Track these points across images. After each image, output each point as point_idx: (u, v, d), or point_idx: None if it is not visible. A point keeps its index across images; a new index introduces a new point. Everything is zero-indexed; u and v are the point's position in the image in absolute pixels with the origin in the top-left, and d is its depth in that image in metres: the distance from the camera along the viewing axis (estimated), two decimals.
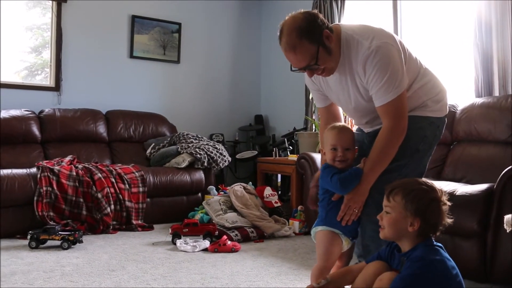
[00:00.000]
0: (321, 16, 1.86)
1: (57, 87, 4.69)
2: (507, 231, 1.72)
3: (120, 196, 3.79)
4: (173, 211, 4.13)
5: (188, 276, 2.52)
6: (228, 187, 3.99)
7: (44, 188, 3.50)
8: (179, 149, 4.45)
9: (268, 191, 4.00)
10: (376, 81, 1.81)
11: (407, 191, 1.55)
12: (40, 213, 3.43)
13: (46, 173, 3.57)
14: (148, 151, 4.65)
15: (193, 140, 4.65)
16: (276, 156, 4.61)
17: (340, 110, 2.22)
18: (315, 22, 1.82)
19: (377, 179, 1.87)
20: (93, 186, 3.70)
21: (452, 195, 2.41)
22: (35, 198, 3.47)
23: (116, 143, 4.71)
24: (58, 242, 3.10)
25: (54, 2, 4.66)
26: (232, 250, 3.07)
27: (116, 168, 3.97)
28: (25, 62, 4.79)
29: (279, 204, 3.97)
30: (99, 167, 3.90)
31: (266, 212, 3.76)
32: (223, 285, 2.37)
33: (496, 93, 3.28)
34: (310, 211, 3.57)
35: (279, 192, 4.77)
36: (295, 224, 3.73)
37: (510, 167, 2.33)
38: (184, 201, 4.23)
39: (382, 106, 1.84)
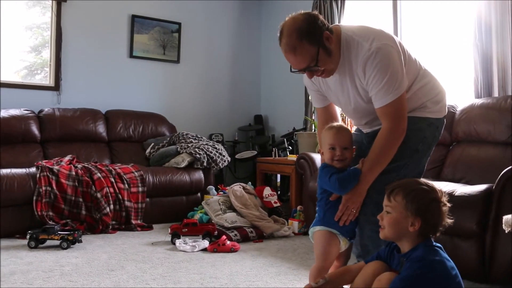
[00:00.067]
0: (321, 17, 1.86)
1: (56, 87, 4.69)
2: (506, 232, 1.72)
3: (120, 196, 3.79)
4: (172, 211, 4.13)
5: (187, 276, 2.53)
6: (228, 187, 3.99)
7: (44, 188, 3.50)
8: (178, 149, 4.45)
9: (267, 191, 4.00)
10: (376, 82, 1.80)
11: (408, 191, 1.56)
12: (39, 213, 3.43)
13: (45, 173, 3.57)
14: (148, 151, 4.65)
15: (192, 140, 4.65)
16: (275, 156, 4.61)
17: (338, 110, 2.22)
18: (316, 24, 1.81)
19: (375, 179, 1.87)
20: (93, 186, 3.70)
21: (451, 196, 2.41)
22: (34, 198, 3.47)
23: (115, 143, 4.71)
24: (57, 242, 3.10)
25: (54, 1, 4.66)
26: (231, 250, 3.07)
27: (116, 168, 3.97)
28: (24, 61, 4.79)
29: (278, 204, 3.97)
30: (99, 166, 3.90)
31: (265, 212, 3.76)
32: (222, 285, 2.37)
33: (496, 94, 3.28)
34: (309, 211, 3.57)
35: (279, 192, 4.77)
36: (294, 224, 3.73)
37: (509, 168, 2.33)
38: (183, 201, 4.23)
39: (382, 108, 1.84)
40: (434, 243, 1.56)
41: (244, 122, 5.75)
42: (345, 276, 1.74)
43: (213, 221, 3.58)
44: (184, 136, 4.69)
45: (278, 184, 4.94)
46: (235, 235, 3.38)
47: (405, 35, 4.20)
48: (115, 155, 4.60)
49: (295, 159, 3.85)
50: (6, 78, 4.45)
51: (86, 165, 3.88)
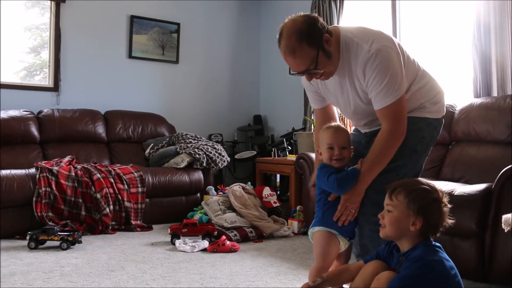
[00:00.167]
0: (321, 19, 1.85)
1: (55, 88, 4.69)
2: (505, 231, 1.72)
3: (119, 196, 3.79)
4: (172, 211, 4.13)
5: (187, 276, 2.53)
6: (227, 187, 3.99)
7: (43, 189, 3.50)
8: (178, 149, 4.45)
9: (267, 191, 4.00)
10: (375, 84, 1.80)
11: (410, 190, 1.56)
12: (39, 214, 3.43)
13: (45, 174, 3.57)
14: (147, 151, 4.66)
15: (192, 140, 4.65)
16: (275, 156, 4.62)
17: (336, 111, 2.22)
18: (316, 26, 1.80)
19: (374, 179, 1.87)
20: (92, 187, 3.70)
21: (450, 195, 2.40)
22: (34, 199, 3.47)
23: (115, 144, 4.71)
24: (57, 243, 3.10)
25: (52, 2, 4.66)
26: (231, 250, 3.07)
27: (115, 168, 3.97)
28: (23, 62, 4.79)
29: (278, 204, 3.97)
30: (98, 167, 3.90)
31: (265, 212, 3.76)
32: (222, 285, 2.38)
33: (495, 93, 3.29)
34: (309, 211, 3.57)
35: (278, 192, 4.77)
36: (294, 224, 3.73)
37: (508, 167, 2.34)
38: (183, 201, 4.23)
39: (382, 109, 1.84)
40: (433, 243, 1.57)
41: (243, 122, 5.75)
42: (343, 275, 1.74)
43: (212, 221, 3.59)
44: (184, 137, 4.69)
45: (278, 184, 4.95)
46: (235, 235, 3.38)
47: (404, 35, 4.21)
48: (115, 156, 4.60)
49: (295, 159, 3.85)
50: (5, 79, 4.45)
51: (86, 166, 3.88)
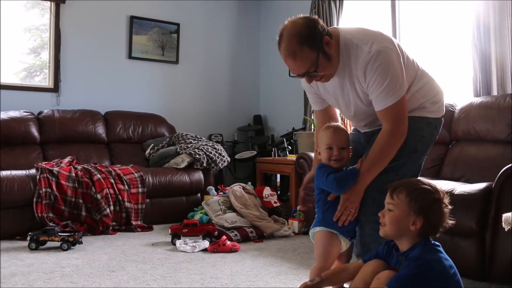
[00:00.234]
0: (321, 21, 1.84)
1: (55, 88, 4.69)
2: (506, 230, 1.72)
3: (120, 197, 3.80)
4: (172, 211, 4.13)
5: (187, 276, 2.53)
6: (227, 187, 3.99)
7: (44, 190, 3.50)
8: (178, 150, 4.45)
9: (267, 191, 4.00)
10: (376, 85, 1.80)
11: (412, 189, 1.56)
12: (39, 215, 3.43)
13: (45, 174, 3.57)
14: (147, 151, 4.66)
15: (192, 140, 4.65)
16: (275, 156, 4.62)
17: (337, 111, 2.22)
18: (316, 28, 1.80)
19: (375, 179, 1.87)
20: (93, 187, 3.70)
21: (450, 194, 2.40)
22: (35, 200, 3.47)
23: (115, 144, 4.71)
24: (57, 243, 3.10)
25: (52, 3, 4.66)
26: (232, 250, 3.07)
27: (115, 169, 3.97)
28: (23, 63, 4.79)
29: (278, 204, 3.97)
30: (98, 168, 3.90)
31: (265, 212, 3.77)
32: (223, 285, 2.38)
33: (494, 92, 3.29)
34: (309, 211, 3.57)
35: (278, 192, 4.77)
36: (295, 224, 3.73)
37: (508, 166, 2.34)
38: (183, 201, 4.23)
39: (382, 111, 1.84)
40: (432, 242, 1.57)
41: (243, 122, 5.75)
42: (341, 275, 1.74)
43: (213, 222, 3.59)
44: (184, 137, 4.70)
45: (278, 184, 4.95)
46: (235, 235, 3.38)
47: (404, 35, 4.21)
48: (115, 156, 4.60)
49: (295, 159, 3.85)
50: (5, 80, 4.45)
51: (86, 167, 3.88)
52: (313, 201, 2.04)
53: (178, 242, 3.19)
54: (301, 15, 1.85)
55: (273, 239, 3.51)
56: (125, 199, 3.81)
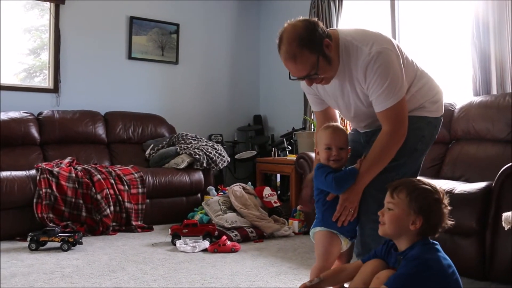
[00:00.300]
0: (321, 24, 1.84)
1: (55, 89, 4.69)
2: (506, 229, 1.72)
3: (120, 197, 3.80)
4: (172, 212, 4.13)
5: (188, 276, 2.53)
6: (227, 188, 3.99)
7: (44, 190, 3.50)
8: (178, 150, 4.45)
9: (267, 191, 4.00)
10: (376, 87, 1.80)
11: (412, 189, 1.56)
12: (39, 215, 3.43)
13: (45, 175, 3.58)
14: (147, 152, 4.66)
15: (192, 140, 4.65)
16: (275, 156, 4.62)
17: (336, 112, 2.22)
18: (316, 31, 1.79)
19: (376, 178, 1.87)
20: (93, 188, 3.70)
21: (450, 194, 2.41)
22: (35, 200, 3.47)
23: (115, 145, 4.72)
24: (58, 244, 3.10)
25: (52, 3, 4.67)
26: (232, 250, 3.07)
27: (115, 169, 3.97)
28: (23, 64, 4.79)
29: (278, 204, 3.97)
30: (98, 168, 3.91)
31: (265, 212, 3.77)
32: (223, 285, 2.38)
33: (494, 91, 3.29)
34: (310, 212, 3.57)
35: (278, 192, 4.78)
36: (295, 224, 3.73)
37: (508, 165, 2.34)
38: (183, 201, 4.23)
39: (382, 112, 1.84)
40: (431, 241, 1.57)
41: (243, 122, 5.75)
42: (340, 275, 1.74)
43: (213, 222, 3.59)
44: (184, 137, 4.70)
45: (278, 184, 4.95)
46: (236, 235, 3.38)
47: (403, 35, 4.21)
48: (115, 157, 4.60)
49: (295, 158, 3.85)
50: (5, 81, 4.46)
51: (86, 167, 3.88)
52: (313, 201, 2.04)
53: (178, 243, 3.19)
54: (301, 18, 1.85)
55: (273, 239, 3.51)
56: (125, 200, 3.82)
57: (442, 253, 1.55)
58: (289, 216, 3.88)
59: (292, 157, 4.22)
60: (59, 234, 3.13)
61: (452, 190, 2.48)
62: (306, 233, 3.64)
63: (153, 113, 5.07)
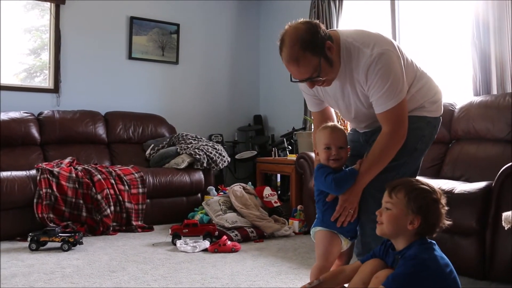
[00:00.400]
0: (322, 26, 1.84)
1: (56, 89, 4.69)
2: (506, 229, 1.72)
3: (120, 197, 3.80)
4: (172, 212, 4.13)
5: (188, 276, 2.53)
6: (228, 188, 3.99)
7: (44, 190, 3.50)
8: (178, 150, 4.46)
9: (267, 191, 4.01)
10: (377, 88, 1.80)
11: (410, 189, 1.56)
12: (40, 215, 3.43)
13: (45, 175, 3.58)
14: (148, 152, 4.66)
15: (192, 140, 4.65)
16: (275, 156, 4.62)
17: (333, 112, 2.22)
18: (318, 34, 1.79)
19: (376, 178, 1.87)
20: (93, 188, 3.70)
21: (450, 193, 2.42)
22: (35, 200, 3.47)
23: (115, 145, 4.72)
24: (58, 244, 3.10)
25: (52, 3, 4.67)
26: (232, 250, 3.07)
27: (116, 169, 3.98)
28: (23, 64, 4.79)
29: (278, 204, 3.97)
30: (99, 168, 3.91)
31: (265, 212, 3.77)
32: (224, 285, 2.38)
33: (494, 91, 3.29)
34: (310, 210, 3.57)
35: (279, 192, 4.78)
36: (295, 224, 3.73)
37: (508, 165, 2.34)
38: (183, 201, 4.24)
39: (383, 113, 1.84)
40: (428, 241, 1.57)
41: (243, 122, 5.76)
42: (339, 277, 1.74)
43: (213, 222, 3.59)
44: (184, 137, 4.70)
45: (278, 184, 4.95)
46: (236, 235, 3.38)
47: (403, 35, 4.21)
48: (115, 157, 4.61)
49: (295, 158, 3.85)
50: (6, 81, 4.46)
51: (86, 167, 3.89)
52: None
53: (178, 242, 3.19)
54: (302, 20, 1.85)
55: (273, 239, 3.51)
56: (126, 200, 3.82)
57: (440, 253, 1.55)
58: (289, 216, 3.88)
59: (292, 157, 4.22)
60: (60, 234, 3.14)
61: (452, 190, 2.48)
62: (307, 233, 3.64)
63: (153, 113, 5.08)
